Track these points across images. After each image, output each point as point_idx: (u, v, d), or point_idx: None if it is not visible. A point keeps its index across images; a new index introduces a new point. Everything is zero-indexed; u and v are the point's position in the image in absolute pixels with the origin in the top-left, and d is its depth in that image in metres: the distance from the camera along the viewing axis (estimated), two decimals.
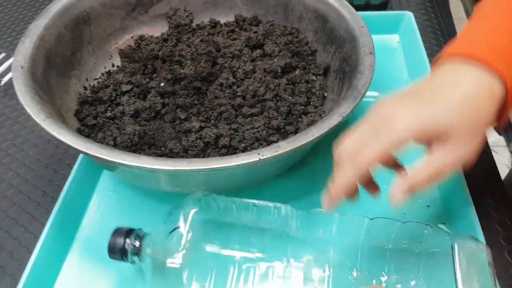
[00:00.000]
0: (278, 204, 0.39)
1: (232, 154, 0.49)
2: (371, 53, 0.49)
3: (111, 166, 0.47)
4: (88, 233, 0.50)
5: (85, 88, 0.57)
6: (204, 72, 0.54)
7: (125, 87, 0.56)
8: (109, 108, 0.54)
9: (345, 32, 0.54)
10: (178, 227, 0.39)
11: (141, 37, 0.63)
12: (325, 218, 0.40)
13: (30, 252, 0.45)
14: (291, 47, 0.60)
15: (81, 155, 0.53)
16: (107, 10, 0.60)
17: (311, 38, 0.60)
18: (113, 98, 0.55)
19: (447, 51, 0.36)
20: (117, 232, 0.40)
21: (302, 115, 0.54)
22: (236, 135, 0.50)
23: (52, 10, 0.54)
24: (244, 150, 0.49)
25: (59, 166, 0.57)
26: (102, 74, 0.60)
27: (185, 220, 0.39)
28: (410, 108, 0.33)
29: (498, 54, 0.33)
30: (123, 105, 0.54)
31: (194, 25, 0.65)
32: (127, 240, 0.39)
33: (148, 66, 0.58)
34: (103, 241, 0.41)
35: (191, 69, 0.55)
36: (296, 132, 0.51)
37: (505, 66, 0.33)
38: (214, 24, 0.65)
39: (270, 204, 0.39)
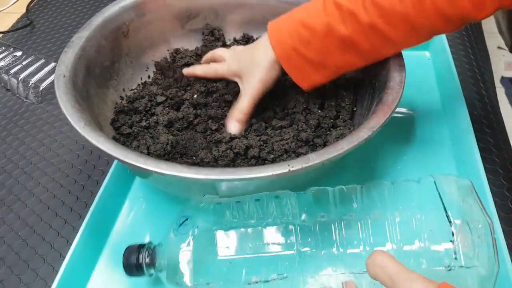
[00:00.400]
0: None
1: (261, 165, 0.50)
2: (401, 69, 0.49)
3: (145, 173, 0.48)
4: (119, 239, 0.52)
5: (122, 98, 0.59)
6: (236, 87, 0.56)
7: (160, 98, 0.58)
8: (144, 118, 0.57)
9: None
10: (189, 238, 0.40)
11: (177, 51, 0.65)
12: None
13: (62, 256, 0.46)
14: None
15: (115, 162, 0.55)
16: (144, 22, 0.62)
17: None
18: (148, 108, 0.57)
19: (277, 20, 0.51)
20: (128, 250, 0.42)
21: (331, 129, 0.54)
22: (265, 146, 0.51)
23: (94, 22, 0.56)
24: (273, 161, 0.50)
25: (93, 172, 0.59)
26: (138, 85, 0.62)
27: (193, 230, 0.41)
28: (233, 61, 0.55)
29: (278, 37, 0.49)
30: (157, 115, 0.56)
31: (227, 40, 0.67)
32: (140, 256, 0.42)
33: (183, 79, 0.60)
34: None
35: (223, 83, 0.57)
36: (324, 145, 0.52)
37: (278, 44, 0.49)
38: (247, 39, 0.67)
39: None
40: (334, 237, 0.41)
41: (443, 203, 0.41)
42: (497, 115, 0.63)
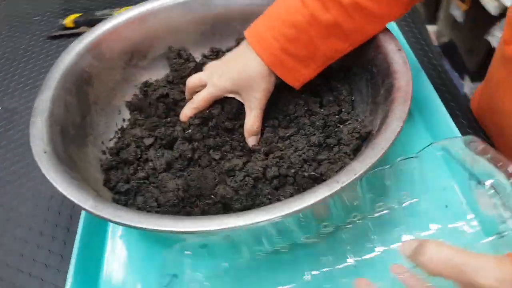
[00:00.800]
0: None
1: (283, 183, 0.47)
2: (399, 49, 0.47)
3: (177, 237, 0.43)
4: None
5: (104, 153, 0.53)
6: (234, 108, 0.51)
7: (148, 141, 0.52)
8: (138, 167, 0.51)
9: None
10: None
11: (146, 84, 0.59)
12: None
13: None
14: None
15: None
16: (105, 64, 0.56)
17: None
18: (139, 155, 0.51)
19: (252, 25, 0.50)
20: None
21: (339, 125, 0.51)
22: (283, 162, 0.47)
23: (53, 79, 0.49)
24: (295, 175, 0.47)
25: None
26: (116, 132, 0.56)
27: None
28: (224, 76, 0.51)
29: (257, 40, 0.48)
30: (151, 160, 0.51)
31: (196, 59, 0.62)
32: None
33: (168, 114, 0.55)
34: None
35: (218, 109, 0.52)
36: (339, 143, 0.49)
37: (262, 49, 0.48)
38: (217, 52, 0.62)
39: None
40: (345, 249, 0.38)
41: (467, 168, 0.37)
42: (452, 81, 0.64)
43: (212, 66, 0.53)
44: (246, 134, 0.51)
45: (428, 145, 0.39)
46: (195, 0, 0.60)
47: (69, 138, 0.48)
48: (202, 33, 0.62)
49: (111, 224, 0.51)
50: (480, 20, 1.19)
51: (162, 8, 0.59)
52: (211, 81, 0.51)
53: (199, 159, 0.50)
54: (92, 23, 0.77)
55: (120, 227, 0.51)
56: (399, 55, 0.47)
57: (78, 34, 0.78)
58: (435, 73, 0.66)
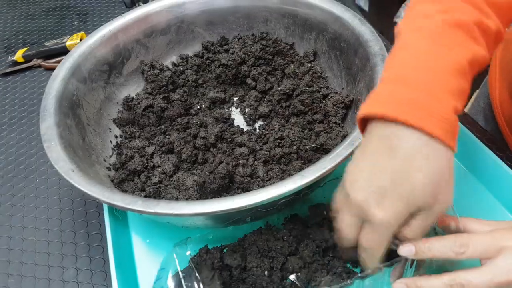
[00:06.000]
0: None
1: (289, 160, 0.51)
2: (363, 23, 0.54)
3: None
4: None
5: (109, 169, 0.54)
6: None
7: (149, 149, 0.54)
8: (149, 174, 0.53)
9: (324, 16, 0.58)
10: None
11: (127, 99, 0.61)
12: None
13: None
14: (269, 50, 0.63)
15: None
16: (88, 85, 0.56)
17: (283, 34, 0.64)
18: (146, 164, 0.53)
19: (372, 112, 0.32)
20: None
21: (323, 100, 0.57)
22: (284, 142, 0.52)
23: (50, 106, 0.50)
24: (298, 151, 0.52)
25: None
26: (112, 149, 0.57)
27: None
28: (390, 197, 0.31)
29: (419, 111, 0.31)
30: (159, 166, 0.53)
31: (167, 65, 0.64)
32: None
33: (160, 122, 0.57)
34: None
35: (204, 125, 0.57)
36: (326, 116, 0.55)
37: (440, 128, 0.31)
38: (186, 59, 0.65)
39: None
40: None
41: None
42: None
43: (350, 183, 0.33)
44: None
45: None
46: (158, 13, 0.63)
47: (80, 158, 0.48)
48: (168, 42, 0.65)
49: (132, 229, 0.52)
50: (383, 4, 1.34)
51: (130, 24, 0.61)
52: (370, 213, 0.32)
53: (204, 158, 0.54)
54: (45, 54, 0.77)
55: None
56: (365, 27, 0.53)
57: (31, 68, 0.77)
58: None
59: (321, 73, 0.60)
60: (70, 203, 0.56)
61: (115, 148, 0.57)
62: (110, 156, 0.56)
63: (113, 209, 0.50)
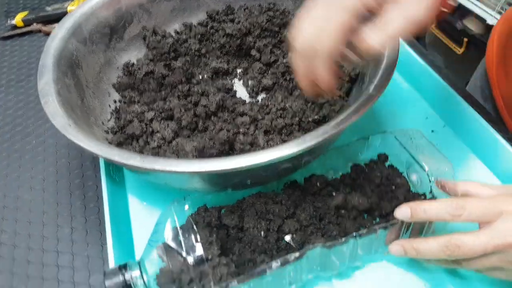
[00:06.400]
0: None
1: (290, 131, 0.51)
2: None
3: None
4: None
5: (107, 132, 0.53)
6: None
7: (149, 115, 0.54)
8: (148, 139, 0.52)
9: None
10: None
11: (127, 64, 0.60)
12: None
13: None
14: (275, 21, 0.62)
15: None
16: (88, 47, 0.55)
17: (291, 6, 0.63)
18: (144, 129, 0.52)
19: None
20: (109, 274, 0.37)
21: None
22: (287, 113, 0.52)
23: (48, 63, 0.49)
24: (300, 122, 0.51)
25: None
26: (111, 113, 0.56)
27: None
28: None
29: None
30: (158, 131, 0.52)
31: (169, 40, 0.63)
32: (126, 276, 0.37)
33: (161, 88, 0.57)
34: None
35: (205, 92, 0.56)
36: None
37: None
38: (189, 27, 0.64)
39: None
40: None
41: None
42: None
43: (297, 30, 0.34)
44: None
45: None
46: None
47: (78, 117, 0.47)
48: (172, 9, 0.64)
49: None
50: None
51: None
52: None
53: (205, 125, 0.53)
54: (45, 18, 0.76)
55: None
56: None
57: (30, 33, 0.76)
58: None
59: None
60: (67, 164, 0.56)
61: (113, 113, 0.56)
62: (109, 120, 0.55)
63: (110, 170, 0.50)
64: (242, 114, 0.54)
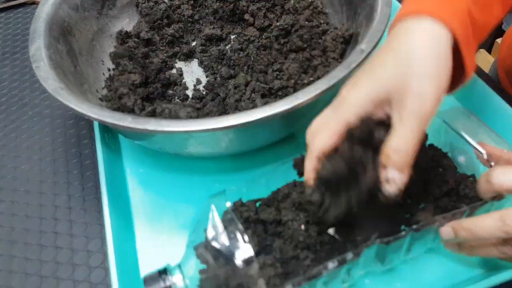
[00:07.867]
0: None
1: (285, 93, 0.50)
2: None
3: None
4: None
5: (101, 100, 0.52)
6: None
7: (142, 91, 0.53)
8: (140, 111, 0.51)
9: None
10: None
11: (121, 33, 0.59)
12: None
13: None
14: None
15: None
16: (81, 14, 0.55)
17: None
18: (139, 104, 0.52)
19: (397, 14, 0.33)
20: (148, 281, 0.35)
21: (322, 36, 0.56)
22: (283, 75, 0.51)
23: (39, 28, 0.48)
24: (295, 85, 0.50)
25: None
26: (105, 81, 0.55)
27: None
28: (361, 79, 0.32)
29: (444, 5, 0.31)
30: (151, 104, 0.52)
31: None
32: (167, 282, 0.35)
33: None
34: None
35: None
36: (325, 52, 0.53)
37: (451, 15, 0.31)
38: None
39: None
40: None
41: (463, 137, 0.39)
42: None
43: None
44: (383, 158, 0.30)
45: None
46: None
47: (71, 82, 0.47)
48: None
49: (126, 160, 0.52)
50: None
51: None
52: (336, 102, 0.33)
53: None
54: None
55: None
56: None
57: (24, 4, 0.75)
58: None
59: (321, 8, 0.58)
60: (63, 134, 0.55)
61: (107, 81, 0.55)
62: (103, 88, 0.54)
63: (105, 137, 0.50)
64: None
